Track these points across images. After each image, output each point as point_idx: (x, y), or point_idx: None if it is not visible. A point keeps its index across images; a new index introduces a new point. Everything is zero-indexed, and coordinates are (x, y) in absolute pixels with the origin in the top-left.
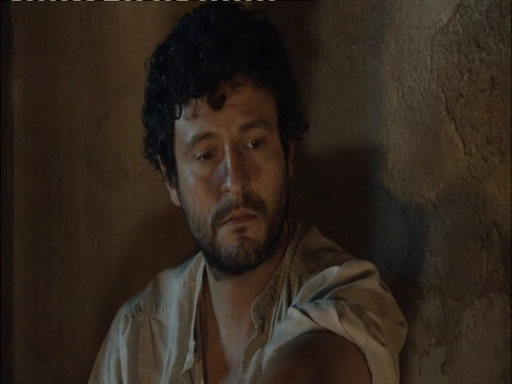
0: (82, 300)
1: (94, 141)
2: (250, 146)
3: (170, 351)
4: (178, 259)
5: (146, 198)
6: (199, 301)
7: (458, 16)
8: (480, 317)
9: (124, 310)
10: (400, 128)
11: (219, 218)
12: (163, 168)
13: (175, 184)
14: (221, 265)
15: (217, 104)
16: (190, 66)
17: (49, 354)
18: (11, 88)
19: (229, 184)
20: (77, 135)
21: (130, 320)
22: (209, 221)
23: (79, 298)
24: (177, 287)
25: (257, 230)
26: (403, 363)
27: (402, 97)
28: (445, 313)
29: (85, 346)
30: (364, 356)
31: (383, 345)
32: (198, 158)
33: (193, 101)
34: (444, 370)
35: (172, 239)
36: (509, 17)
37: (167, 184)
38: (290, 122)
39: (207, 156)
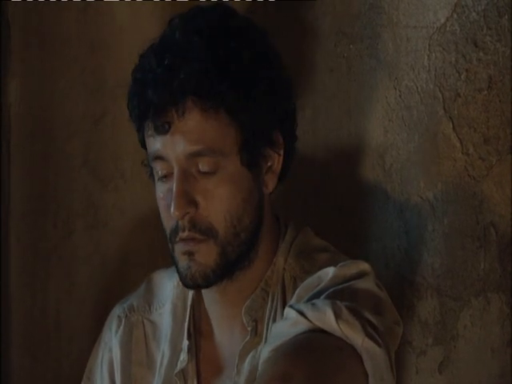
0: (79, 300)
1: (91, 140)
2: (202, 171)
3: (163, 351)
4: None
5: (142, 197)
6: (193, 301)
7: (455, 15)
8: (477, 316)
9: (117, 311)
10: (397, 128)
11: (172, 236)
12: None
13: None
14: (179, 279)
15: (162, 130)
16: (136, 91)
17: (46, 354)
18: (8, 87)
19: (172, 210)
20: (73, 135)
21: (123, 320)
22: (168, 236)
23: (76, 298)
24: (170, 287)
25: (206, 254)
26: (400, 363)
27: (400, 96)
28: (442, 312)
29: (82, 346)
30: (360, 356)
31: (379, 345)
32: (159, 178)
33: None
34: (441, 369)
35: None
36: (506, 16)
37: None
38: (257, 142)
39: (166, 175)
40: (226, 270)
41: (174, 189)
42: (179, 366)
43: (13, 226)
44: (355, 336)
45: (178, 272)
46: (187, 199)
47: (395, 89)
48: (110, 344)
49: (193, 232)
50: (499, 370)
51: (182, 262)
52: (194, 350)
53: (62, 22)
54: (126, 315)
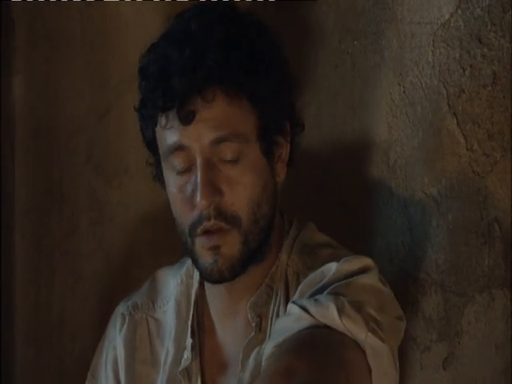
0: (83, 296)
1: (95, 136)
2: (226, 159)
3: (167, 349)
4: (179, 255)
5: (147, 193)
6: (196, 298)
7: (459, 11)
8: (481, 312)
9: (121, 309)
10: (402, 124)
11: (193, 229)
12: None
13: (163, 185)
14: (201, 274)
15: (186, 119)
16: (159, 81)
17: (49, 350)
18: (12, 84)
19: (198, 199)
20: (78, 131)
21: (127, 318)
22: (187, 230)
23: (80, 293)
24: (174, 285)
25: (231, 245)
26: (404, 359)
27: (404, 92)
28: (446, 308)
29: (85, 342)
30: (363, 351)
31: (383, 340)
32: (178, 172)
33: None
34: (445, 365)
35: (172, 235)
36: (510, 12)
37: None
38: (273, 129)
39: (186, 169)
40: (248, 259)
41: (199, 178)
42: (183, 364)
43: (17, 221)
44: (358, 331)
45: (199, 267)
46: (213, 188)
47: (399, 85)
48: (114, 342)
49: (219, 220)
50: (503, 365)
51: (206, 256)
52: (198, 348)
53: (66, 18)
54: (130, 313)
